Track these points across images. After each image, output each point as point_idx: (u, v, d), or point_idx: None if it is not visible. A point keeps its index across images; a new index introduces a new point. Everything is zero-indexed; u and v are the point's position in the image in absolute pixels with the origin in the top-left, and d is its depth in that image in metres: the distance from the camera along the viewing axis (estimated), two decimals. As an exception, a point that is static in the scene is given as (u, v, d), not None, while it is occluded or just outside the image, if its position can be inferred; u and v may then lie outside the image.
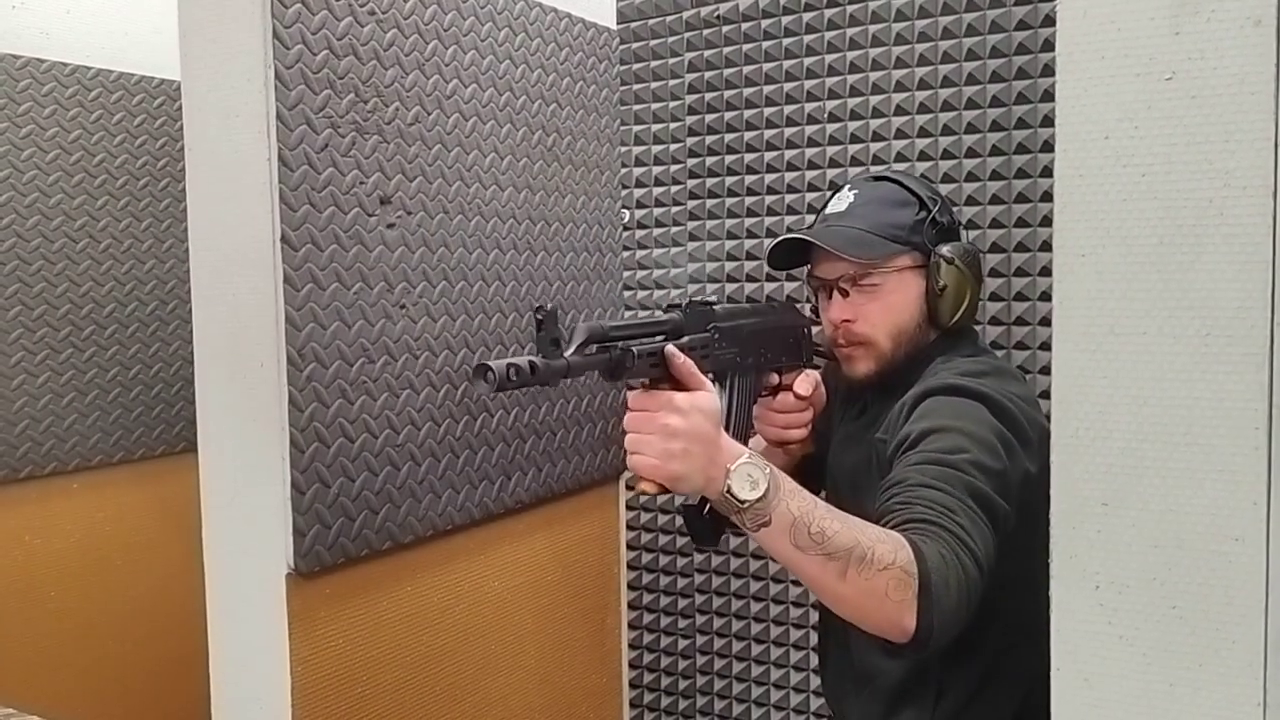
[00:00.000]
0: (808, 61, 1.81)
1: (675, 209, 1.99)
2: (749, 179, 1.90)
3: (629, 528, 2.10)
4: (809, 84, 1.82)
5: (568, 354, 1.06)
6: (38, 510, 2.16)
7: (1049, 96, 1.60)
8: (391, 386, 1.54)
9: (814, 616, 1.86)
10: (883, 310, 1.33)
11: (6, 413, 2.09)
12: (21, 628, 2.13)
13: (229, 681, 1.49)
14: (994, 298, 1.67)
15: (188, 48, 1.44)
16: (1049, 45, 1.59)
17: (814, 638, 1.87)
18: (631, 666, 2.12)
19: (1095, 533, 0.81)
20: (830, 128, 1.80)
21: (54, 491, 2.19)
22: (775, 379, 1.41)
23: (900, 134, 1.73)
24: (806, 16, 1.81)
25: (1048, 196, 1.61)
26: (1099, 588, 0.81)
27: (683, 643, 2.06)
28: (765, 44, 1.85)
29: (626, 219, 2.04)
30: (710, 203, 1.95)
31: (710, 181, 1.94)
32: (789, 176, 1.85)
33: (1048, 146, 1.61)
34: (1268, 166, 0.74)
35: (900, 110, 1.73)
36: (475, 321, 1.69)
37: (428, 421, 1.60)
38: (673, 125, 1.98)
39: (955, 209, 1.67)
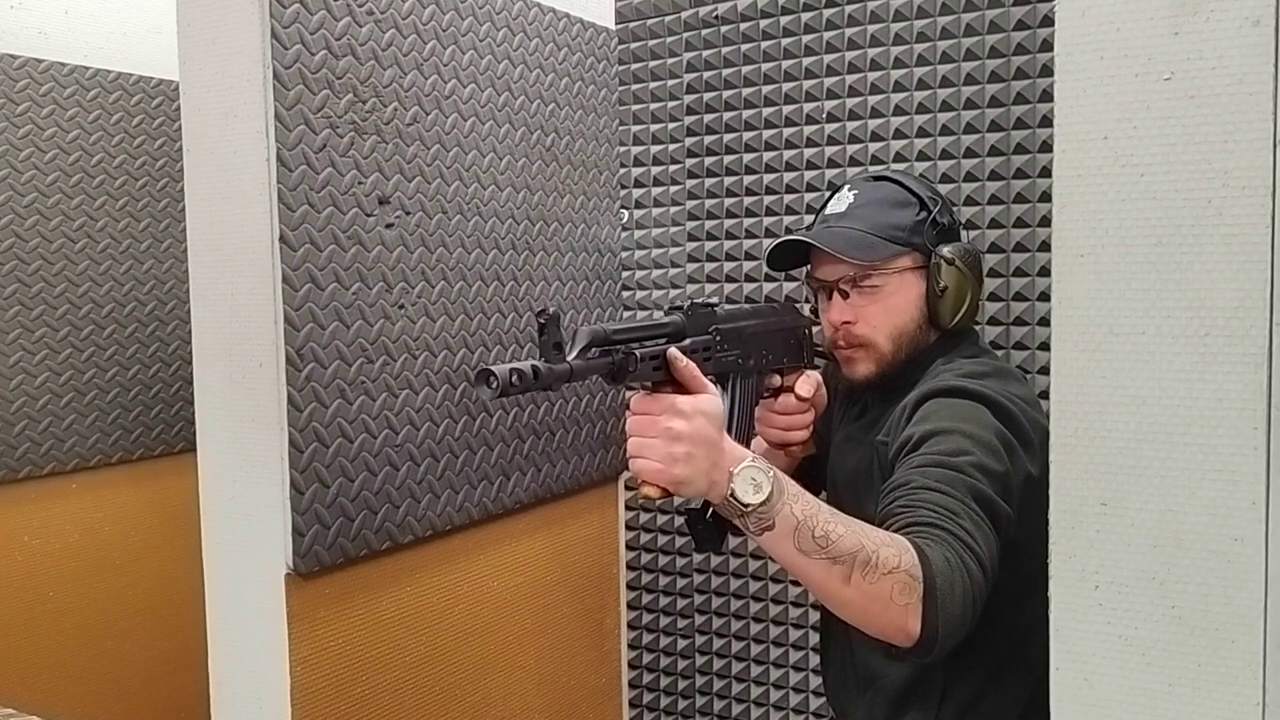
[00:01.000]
0: (806, 62, 1.81)
1: (674, 209, 1.99)
2: (748, 179, 1.90)
3: (628, 528, 2.10)
4: (808, 84, 1.82)
5: (570, 358, 1.06)
6: (37, 511, 2.16)
7: (1048, 97, 1.60)
8: (390, 386, 1.54)
9: (814, 616, 1.87)
10: (883, 312, 1.32)
11: (5, 413, 2.09)
12: (20, 628, 2.13)
13: (228, 682, 1.49)
14: (993, 298, 1.67)
15: (186, 48, 1.44)
16: (1047, 45, 1.59)
17: (814, 638, 1.87)
18: (631, 667, 2.12)
19: (1094, 532, 0.81)
20: (829, 128, 1.80)
21: (53, 492, 2.18)
22: (777, 380, 1.41)
23: (899, 134, 1.73)
24: (805, 16, 1.81)
25: (1046, 197, 1.61)
26: (1098, 588, 0.81)
27: (682, 643, 2.06)
28: (764, 44, 1.85)
29: (625, 219, 2.04)
30: (709, 203, 1.95)
31: (709, 182, 1.94)
32: (788, 177, 1.85)
33: (1046, 147, 1.61)
34: (1266, 166, 0.74)
35: (899, 110, 1.73)
36: (474, 321, 1.69)
37: (426, 421, 1.60)
38: (671, 125, 1.98)
39: (955, 209, 1.68)
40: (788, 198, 1.85)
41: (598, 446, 1.99)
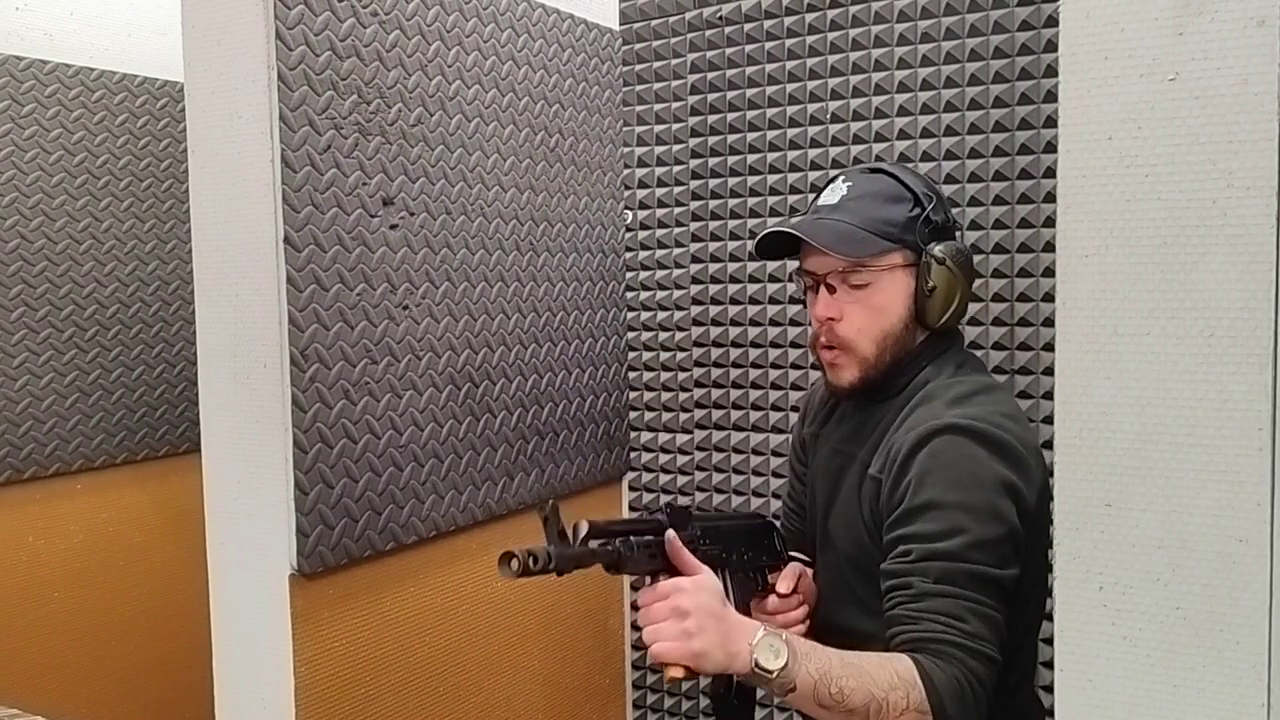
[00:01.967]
0: (810, 62, 1.81)
1: (677, 210, 1.99)
2: (751, 180, 1.90)
3: (632, 528, 2.10)
4: (811, 84, 1.82)
5: (576, 546, 1.13)
6: (42, 511, 2.17)
7: (1052, 97, 1.59)
8: (394, 387, 1.54)
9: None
10: (868, 312, 1.29)
11: (10, 414, 2.09)
12: (25, 628, 2.13)
13: (233, 682, 1.49)
14: (997, 298, 1.67)
15: (191, 49, 1.45)
16: (1052, 46, 1.59)
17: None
18: (634, 667, 2.12)
19: (1099, 533, 0.81)
20: (833, 128, 1.80)
21: (58, 492, 2.19)
22: (759, 582, 1.40)
23: (903, 134, 1.73)
24: (809, 17, 1.81)
25: (1051, 197, 1.61)
26: (1102, 588, 0.81)
27: (685, 643, 2.06)
28: (768, 44, 1.85)
29: (629, 220, 2.04)
30: (713, 203, 1.95)
31: (713, 182, 1.94)
32: (791, 177, 1.85)
33: (1051, 147, 1.61)
34: (1271, 167, 0.74)
35: (903, 111, 1.73)
36: (478, 322, 1.69)
37: (430, 422, 1.60)
38: (675, 126, 1.98)
39: (951, 206, 1.68)
40: (791, 198, 1.85)
41: (601, 447, 1.99)
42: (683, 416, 2.03)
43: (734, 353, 1.95)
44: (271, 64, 1.37)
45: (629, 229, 2.04)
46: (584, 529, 1.14)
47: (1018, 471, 1.19)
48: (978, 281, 1.67)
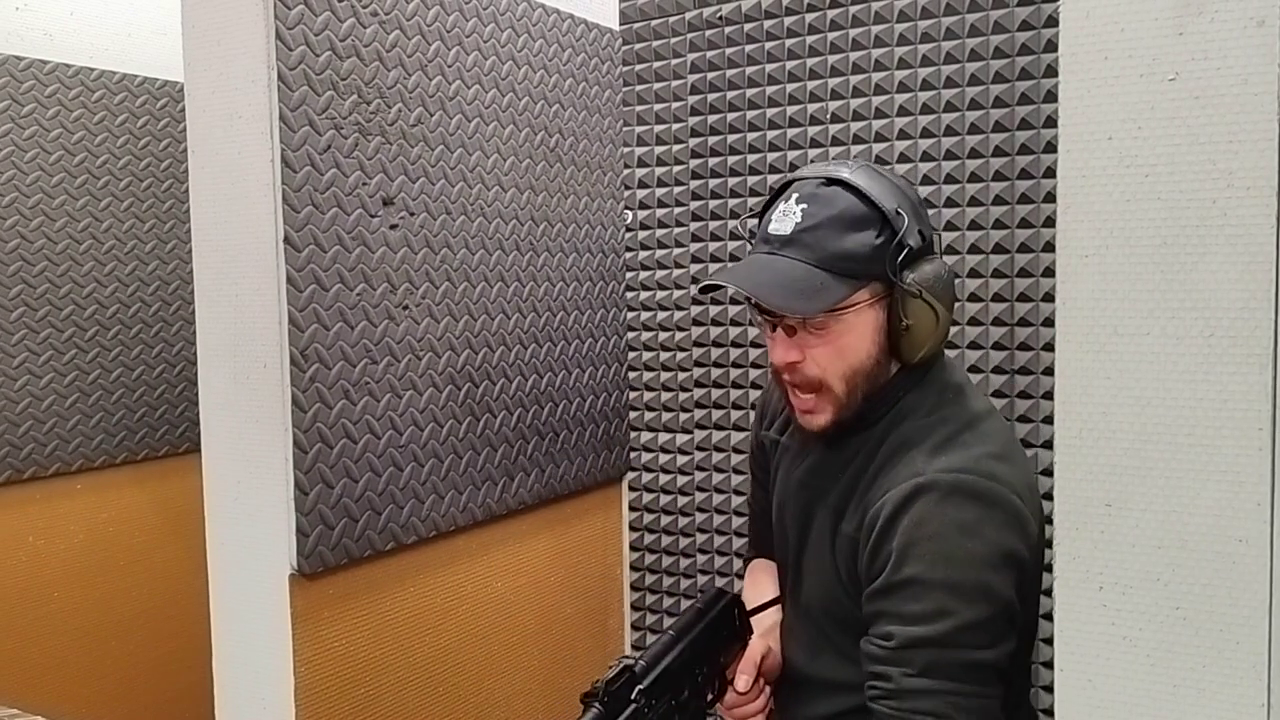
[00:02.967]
0: (810, 62, 1.81)
1: (677, 210, 1.99)
2: (751, 180, 1.90)
3: (632, 529, 2.10)
4: (812, 84, 1.82)
5: None
6: (42, 511, 2.17)
7: (1052, 97, 1.59)
8: (394, 387, 1.54)
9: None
10: (834, 353, 1.14)
11: (10, 414, 2.09)
12: (25, 628, 2.13)
13: (233, 682, 1.49)
14: (997, 298, 1.67)
15: (191, 49, 1.45)
16: (1052, 46, 1.59)
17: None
18: (634, 667, 2.12)
19: (1099, 533, 0.81)
20: (833, 128, 1.80)
21: (58, 492, 2.19)
22: (717, 686, 1.31)
23: (903, 134, 1.73)
24: (809, 17, 1.81)
25: (1051, 197, 1.61)
26: (1102, 589, 0.81)
27: (685, 643, 2.06)
28: (768, 44, 1.85)
29: (629, 220, 2.04)
30: (713, 204, 1.95)
31: (713, 182, 1.94)
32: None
33: (1051, 147, 1.61)
34: (1271, 167, 0.74)
35: (903, 111, 1.73)
36: (478, 322, 1.69)
37: (430, 422, 1.60)
38: (675, 126, 1.98)
39: (955, 208, 1.68)
40: (791, 198, 1.85)
41: (601, 447, 1.99)
42: (683, 416, 2.03)
43: (734, 353, 1.95)
44: (271, 64, 1.37)
45: (629, 229, 2.04)
46: None
47: (1014, 530, 1.10)
48: (977, 281, 1.67)
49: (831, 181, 1.15)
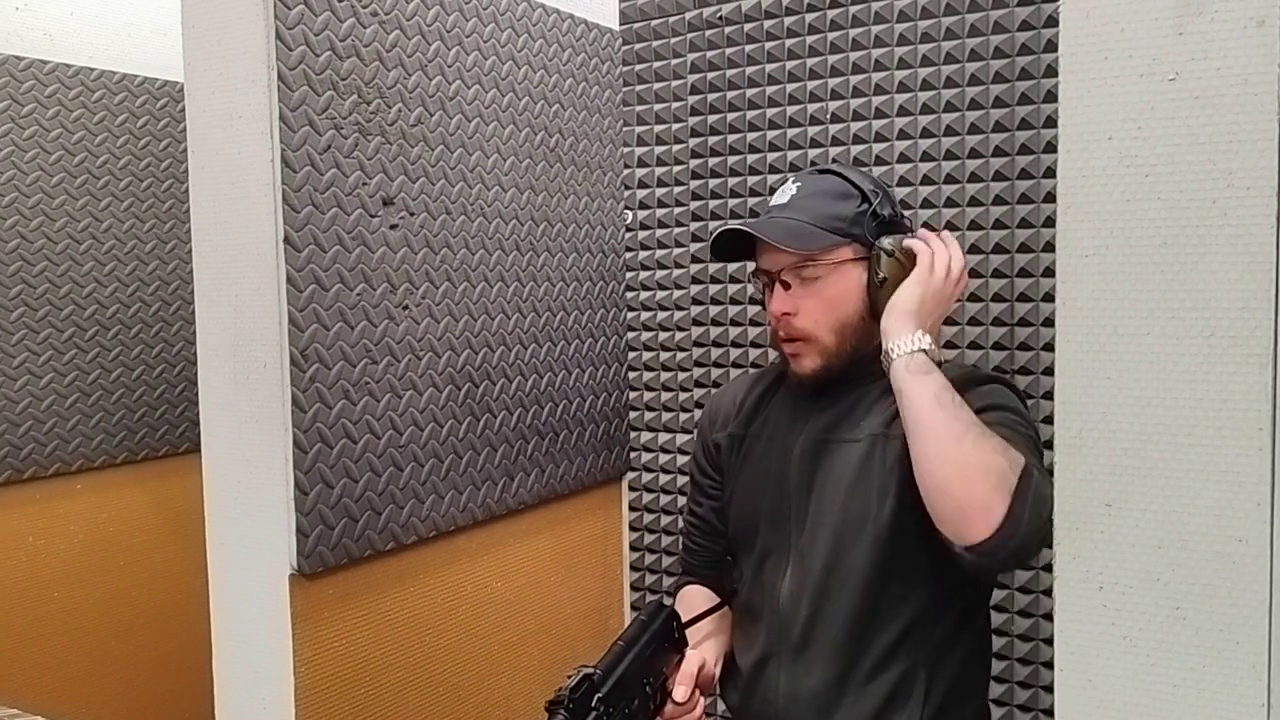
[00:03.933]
0: (810, 62, 1.81)
1: (677, 210, 1.99)
2: (751, 180, 1.90)
3: (632, 529, 2.10)
4: (812, 84, 1.82)
5: None
6: (42, 511, 2.17)
7: (1052, 97, 1.59)
8: (394, 387, 1.54)
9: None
10: (823, 305, 1.32)
11: (10, 414, 2.09)
12: (25, 628, 2.13)
13: (233, 682, 1.49)
14: (997, 298, 1.67)
15: (191, 49, 1.45)
16: (1052, 46, 1.59)
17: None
18: (634, 667, 2.12)
19: (1099, 533, 0.81)
20: (833, 128, 1.80)
21: (58, 492, 2.19)
22: (658, 699, 1.36)
23: (903, 134, 1.73)
24: (809, 17, 1.81)
25: (1051, 197, 1.61)
26: (1102, 589, 0.81)
27: (686, 643, 2.06)
28: (768, 44, 1.85)
29: (629, 220, 2.04)
30: (713, 203, 1.95)
31: (713, 182, 1.94)
32: (792, 178, 1.85)
33: (1051, 147, 1.61)
34: (1271, 167, 0.74)
35: (903, 111, 1.73)
36: (478, 322, 1.69)
37: (430, 422, 1.60)
38: (675, 126, 1.98)
39: (954, 208, 1.68)
40: (791, 198, 1.85)
41: (601, 447, 1.99)
42: (683, 416, 2.03)
43: (734, 353, 1.95)
44: (271, 64, 1.37)
45: (629, 229, 2.04)
46: None
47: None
48: (978, 281, 1.67)
49: (822, 171, 1.40)
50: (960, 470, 1.11)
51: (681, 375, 2.02)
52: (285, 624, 1.42)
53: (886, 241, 1.31)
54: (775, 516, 1.39)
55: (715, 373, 1.97)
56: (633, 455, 2.09)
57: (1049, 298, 1.64)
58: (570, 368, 1.90)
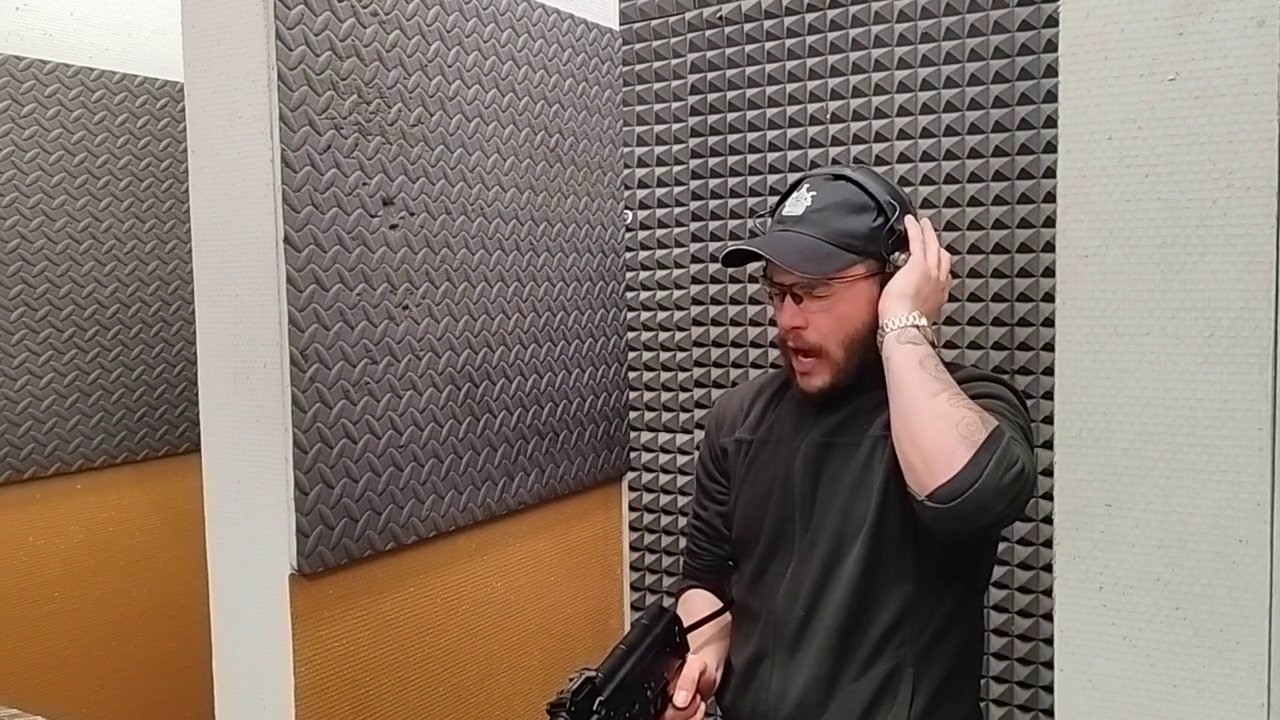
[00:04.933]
0: (810, 62, 1.81)
1: (677, 210, 1.99)
2: (751, 180, 1.90)
3: (632, 528, 2.10)
4: (812, 84, 1.82)
5: None
6: (42, 511, 2.17)
7: (1052, 97, 1.59)
8: (394, 387, 1.54)
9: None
10: (834, 321, 1.30)
11: (10, 414, 2.09)
12: (25, 628, 2.13)
13: (233, 682, 1.49)
14: (997, 298, 1.67)
15: (191, 49, 1.45)
16: (1052, 46, 1.59)
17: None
18: (634, 667, 2.12)
19: (1099, 533, 0.81)
20: (833, 128, 1.80)
21: (58, 492, 2.19)
22: (659, 704, 1.37)
23: (903, 134, 1.73)
24: (809, 17, 1.81)
25: (1051, 197, 1.61)
26: (1102, 589, 0.81)
27: (686, 643, 2.06)
28: (768, 44, 1.85)
29: (629, 220, 2.04)
30: (713, 203, 1.95)
31: (713, 182, 1.94)
32: (791, 178, 1.85)
33: (1051, 147, 1.61)
34: (1271, 167, 0.74)
35: (903, 111, 1.73)
36: (478, 322, 1.69)
37: (430, 422, 1.60)
38: (675, 126, 1.98)
39: (954, 208, 1.68)
40: (791, 198, 1.85)
41: (601, 447, 1.99)
42: (683, 416, 2.03)
43: (734, 353, 1.95)
44: (271, 64, 1.37)
45: (629, 229, 2.04)
46: None
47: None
48: (978, 281, 1.67)
49: (837, 176, 1.35)
50: (930, 420, 1.14)
51: (681, 375, 2.02)
52: (285, 624, 1.42)
53: (901, 258, 1.30)
54: (779, 520, 1.39)
55: (715, 373, 1.97)
56: (633, 455, 2.09)
57: (1049, 298, 1.64)
58: (570, 368, 1.90)
